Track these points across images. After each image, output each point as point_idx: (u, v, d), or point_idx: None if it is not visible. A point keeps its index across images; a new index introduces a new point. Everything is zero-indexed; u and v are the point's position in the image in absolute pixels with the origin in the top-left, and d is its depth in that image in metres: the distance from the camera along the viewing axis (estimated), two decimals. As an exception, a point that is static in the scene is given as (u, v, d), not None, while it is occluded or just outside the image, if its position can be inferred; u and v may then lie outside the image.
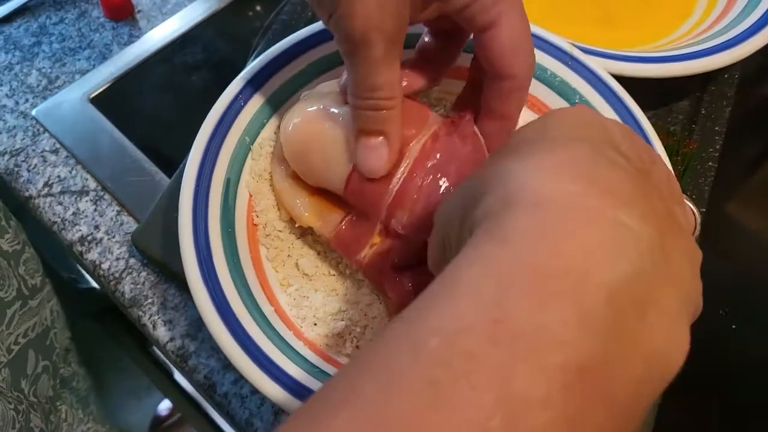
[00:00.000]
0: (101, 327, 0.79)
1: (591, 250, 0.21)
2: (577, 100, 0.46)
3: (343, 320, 0.40)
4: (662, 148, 0.44)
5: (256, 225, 0.43)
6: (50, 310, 0.62)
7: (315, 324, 0.40)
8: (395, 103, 0.37)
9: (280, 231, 0.43)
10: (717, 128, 0.56)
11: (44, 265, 0.62)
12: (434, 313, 0.21)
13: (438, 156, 0.38)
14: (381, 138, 0.37)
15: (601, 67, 0.47)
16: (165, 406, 1.30)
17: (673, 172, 0.29)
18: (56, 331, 0.63)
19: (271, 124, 0.46)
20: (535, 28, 0.48)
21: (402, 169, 0.38)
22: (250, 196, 0.44)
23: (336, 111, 0.40)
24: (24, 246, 0.58)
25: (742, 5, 0.56)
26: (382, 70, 0.35)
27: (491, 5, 0.35)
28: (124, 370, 0.92)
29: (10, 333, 0.55)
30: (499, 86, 0.38)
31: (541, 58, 0.47)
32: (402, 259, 0.38)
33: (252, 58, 0.56)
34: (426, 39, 0.43)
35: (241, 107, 0.44)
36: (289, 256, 0.43)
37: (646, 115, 0.57)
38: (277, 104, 0.46)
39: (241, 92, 0.44)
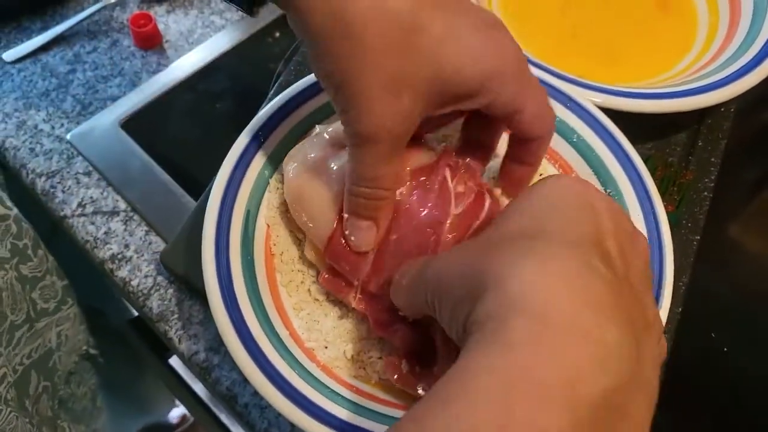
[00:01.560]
0: (117, 352, 0.82)
1: (581, 366, 0.24)
2: (575, 139, 0.50)
3: (351, 343, 0.43)
4: (653, 185, 0.47)
5: (273, 254, 0.46)
6: (57, 334, 0.65)
7: (326, 347, 0.43)
8: (390, 194, 0.39)
9: (294, 259, 0.46)
10: (713, 159, 0.59)
11: (68, 291, 0.65)
12: (444, 415, 0.24)
13: (402, 225, 0.40)
14: (370, 222, 0.40)
15: (598, 107, 0.50)
16: (176, 414, 1.33)
17: (647, 245, 0.33)
18: (61, 354, 0.66)
19: None
20: (535, 71, 0.51)
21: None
22: (268, 226, 0.47)
23: (334, 166, 0.42)
24: (46, 274, 0.61)
25: (737, 43, 0.59)
26: (384, 164, 0.38)
27: (513, 98, 0.38)
28: (132, 390, 0.96)
29: (17, 354, 0.58)
30: (526, 144, 0.42)
31: None
32: (381, 315, 0.41)
33: (273, 85, 0.60)
34: (465, 125, 0.45)
35: (261, 143, 0.47)
36: (302, 282, 0.46)
37: (646, 146, 0.60)
38: (296, 140, 0.49)
39: (261, 129, 0.47)
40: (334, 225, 0.41)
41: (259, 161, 0.47)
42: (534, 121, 0.40)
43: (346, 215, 0.41)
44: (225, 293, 0.41)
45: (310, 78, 0.50)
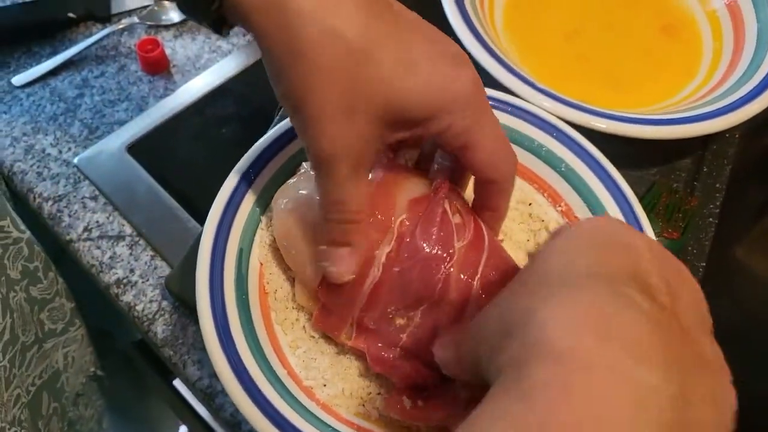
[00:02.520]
0: (124, 374, 0.82)
1: (611, 410, 0.22)
2: (563, 168, 0.50)
3: (350, 380, 0.43)
4: (643, 213, 0.47)
5: (266, 292, 0.46)
6: (64, 355, 0.65)
7: (324, 385, 0.42)
8: (361, 217, 0.39)
9: (288, 297, 0.46)
10: (718, 185, 0.59)
11: (76, 312, 0.65)
12: None
13: (405, 258, 0.40)
14: (347, 248, 0.40)
15: (585, 138, 0.51)
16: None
17: (701, 292, 0.29)
18: (68, 376, 0.66)
19: None
20: (521, 103, 0.52)
21: (371, 278, 0.40)
22: (261, 264, 0.47)
23: None
24: (55, 296, 0.62)
25: (742, 70, 0.59)
26: (347, 187, 0.38)
27: (464, 131, 0.38)
28: (136, 416, 0.96)
29: (29, 375, 0.58)
30: (484, 187, 0.42)
31: (528, 129, 0.51)
32: (379, 351, 0.41)
33: (278, 110, 0.60)
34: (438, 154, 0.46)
35: (252, 181, 0.47)
36: (297, 319, 0.45)
37: (650, 172, 0.60)
38: (286, 177, 0.48)
39: (251, 166, 0.47)
40: None
41: (250, 199, 0.47)
42: (488, 161, 0.40)
43: (323, 247, 0.40)
44: (221, 333, 0.41)
45: None
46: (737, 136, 0.62)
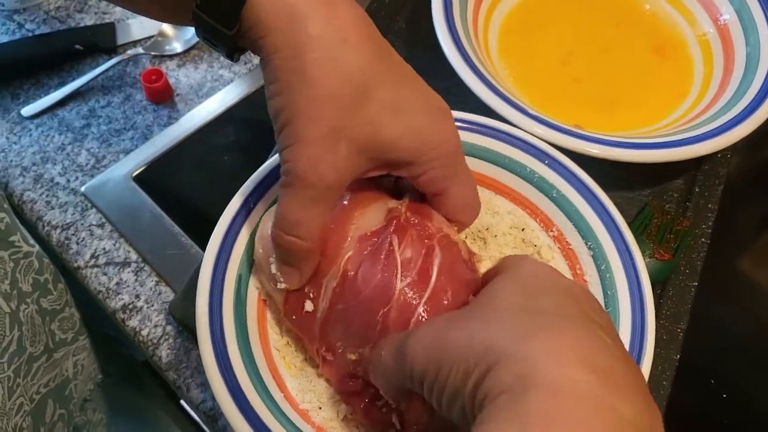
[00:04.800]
0: (131, 380, 0.84)
1: None
2: (554, 194, 0.51)
3: (344, 404, 0.44)
4: (632, 238, 0.49)
5: (265, 317, 0.47)
6: (74, 363, 0.67)
7: (320, 408, 0.44)
8: (309, 248, 0.40)
9: (284, 321, 0.47)
10: (710, 206, 0.60)
11: (84, 321, 0.67)
12: None
13: (348, 297, 0.41)
14: (293, 269, 0.42)
15: (596, 157, 0.52)
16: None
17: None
18: (77, 383, 0.68)
19: None
20: (513, 130, 0.53)
21: (320, 312, 0.42)
22: (259, 289, 0.48)
23: None
24: (65, 306, 0.64)
25: (731, 92, 0.61)
26: (308, 210, 0.39)
27: (440, 179, 0.41)
28: (143, 420, 0.97)
29: (34, 384, 0.60)
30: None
31: (521, 156, 0.52)
32: (343, 380, 0.42)
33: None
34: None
35: (251, 208, 0.48)
36: (293, 343, 0.47)
37: (643, 192, 0.61)
38: None
39: (251, 193, 0.49)
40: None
41: (249, 226, 0.48)
42: (456, 206, 0.43)
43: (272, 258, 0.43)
44: (220, 359, 0.42)
45: None
46: (729, 156, 0.63)
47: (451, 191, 0.42)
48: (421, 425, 0.36)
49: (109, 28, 0.73)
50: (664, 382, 0.51)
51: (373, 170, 0.41)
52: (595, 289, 0.48)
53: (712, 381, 0.56)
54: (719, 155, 0.63)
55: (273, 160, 0.51)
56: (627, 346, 0.45)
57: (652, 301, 0.47)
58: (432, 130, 0.40)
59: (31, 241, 0.59)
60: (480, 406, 0.28)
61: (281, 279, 0.42)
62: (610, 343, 0.28)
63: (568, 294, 0.32)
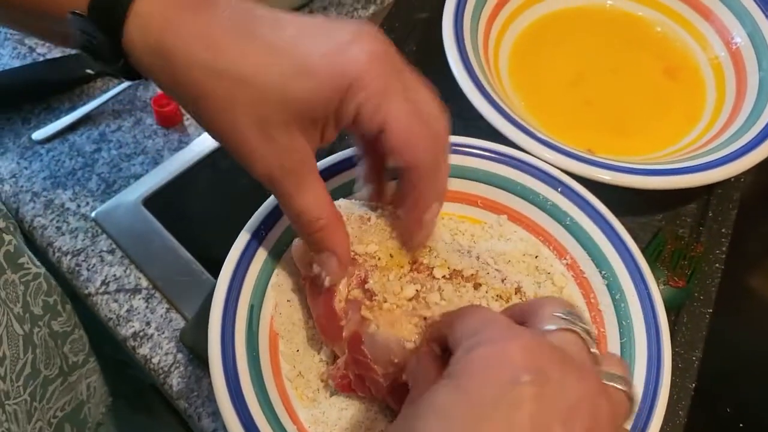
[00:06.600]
0: (142, 402, 0.84)
1: None
2: (568, 222, 0.51)
3: None
4: (647, 267, 0.48)
5: (277, 348, 0.47)
6: (87, 386, 0.67)
7: None
8: (323, 223, 0.41)
9: (296, 353, 0.47)
10: (723, 230, 0.60)
11: (92, 342, 0.67)
12: None
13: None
14: (327, 252, 0.42)
15: (590, 188, 0.52)
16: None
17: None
18: (90, 406, 0.68)
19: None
20: (526, 156, 0.53)
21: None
22: (272, 318, 0.48)
23: None
24: (74, 328, 0.64)
25: (744, 117, 0.60)
26: (297, 199, 0.40)
27: (374, 112, 0.37)
28: None
29: (51, 407, 0.60)
30: (407, 177, 0.41)
31: (534, 183, 0.52)
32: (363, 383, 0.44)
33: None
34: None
35: (263, 237, 0.48)
36: (306, 374, 0.47)
37: (656, 218, 0.61)
38: (295, 233, 0.49)
39: (262, 222, 0.49)
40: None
41: (260, 256, 0.48)
42: (400, 140, 0.38)
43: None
44: (232, 391, 0.42)
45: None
46: (742, 180, 0.63)
47: (391, 124, 0.37)
48: None
49: (120, 52, 0.73)
50: (680, 412, 0.51)
51: (322, 132, 0.39)
52: (610, 319, 0.48)
53: (728, 409, 0.56)
54: (732, 179, 0.63)
55: None
56: (643, 376, 0.45)
57: (668, 330, 0.46)
58: (338, 68, 0.36)
59: (38, 263, 0.59)
60: None
61: (324, 271, 0.43)
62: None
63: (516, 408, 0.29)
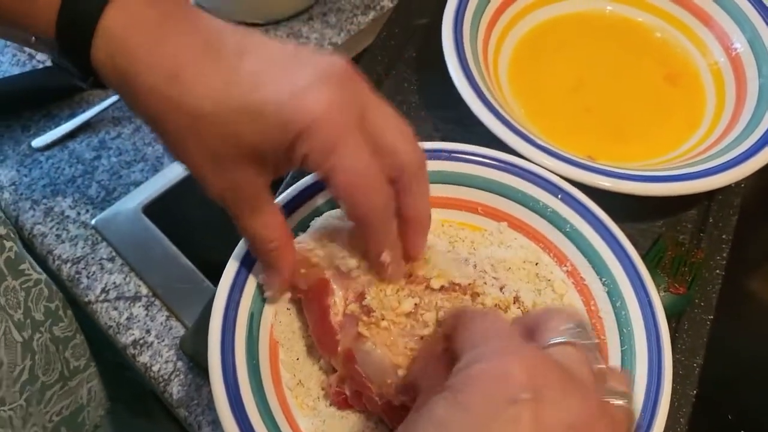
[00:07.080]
0: (140, 406, 0.84)
1: None
2: (568, 229, 0.51)
3: None
4: (647, 274, 0.48)
5: (277, 356, 0.47)
6: (87, 390, 0.67)
7: None
8: (274, 246, 0.43)
9: (296, 361, 0.47)
10: (724, 236, 0.60)
11: (91, 347, 0.67)
12: None
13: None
14: (271, 270, 0.45)
15: (590, 194, 0.52)
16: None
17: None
18: (89, 410, 0.68)
19: None
20: (526, 164, 0.53)
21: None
22: (272, 327, 0.48)
23: (322, 254, 0.45)
24: (75, 333, 0.64)
25: (744, 123, 0.60)
26: (250, 223, 0.42)
27: (320, 162, 0.37)
28: None
29: (47, 412, 0.60)
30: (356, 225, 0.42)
31: (534, 190, 0.52)
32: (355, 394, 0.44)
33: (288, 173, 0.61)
34: None
35: None
36: (306, 382, 0.47)
37: (656, 224, 0.61)
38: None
39: None
40: None
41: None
42: (342, 193, 0.38)
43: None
44: (232, 399, 0.42)
45: (307, 180, 0.51)
46: (743, 185, 0.63)
47: (337, 175, 0.37)
48: None
49: (120, 59, 0.73)
50: (681, 419, 0.51)
51: (275, 168, 0.40)
52: (611, 326, 0.48)
53: (730, 416, 0.56)
54: (733, 185, 0.62)
55: (285, 195, 0.51)
56: (644, 384, 0.45)
57: (669, 337, 0.46)
58: (289, 112, 0.36)
59: (38, 269, 0.59)
60: None
61: (265, 285, 0.46)
62: None
63: (502, 396, 0.29)
